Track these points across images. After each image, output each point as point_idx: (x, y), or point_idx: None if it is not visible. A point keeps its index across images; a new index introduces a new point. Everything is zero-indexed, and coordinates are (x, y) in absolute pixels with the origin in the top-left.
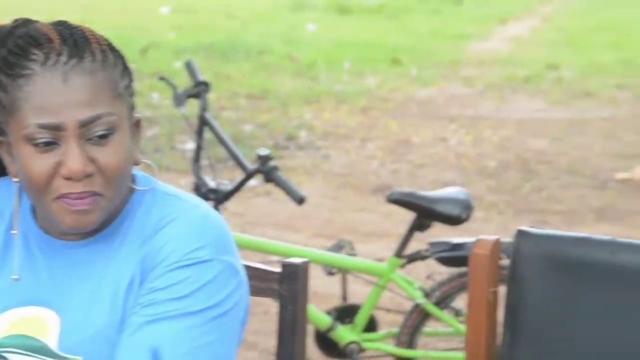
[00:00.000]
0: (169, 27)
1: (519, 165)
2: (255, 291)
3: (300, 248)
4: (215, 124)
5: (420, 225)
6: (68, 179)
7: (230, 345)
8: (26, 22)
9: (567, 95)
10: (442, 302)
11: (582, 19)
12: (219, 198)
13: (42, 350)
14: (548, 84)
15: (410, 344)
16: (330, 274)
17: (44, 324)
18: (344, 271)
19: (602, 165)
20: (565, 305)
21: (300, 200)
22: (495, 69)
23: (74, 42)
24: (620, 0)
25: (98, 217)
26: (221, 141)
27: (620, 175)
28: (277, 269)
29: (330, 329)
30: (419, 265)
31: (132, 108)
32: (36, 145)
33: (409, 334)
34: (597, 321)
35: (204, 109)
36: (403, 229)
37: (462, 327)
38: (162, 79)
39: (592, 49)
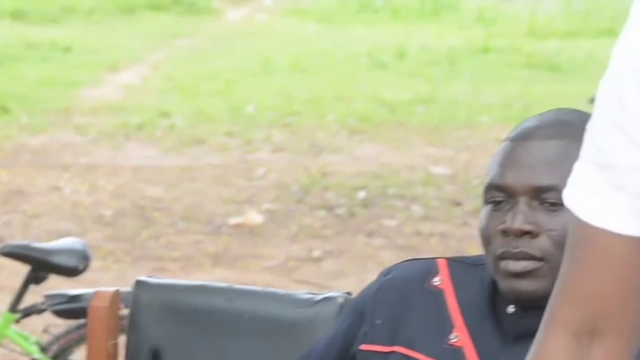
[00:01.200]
0: None
1: (136, 213)
2: None
3: None
4: None
5: (35, 277)
6: None
7: None
8: None
9: (179, 143)
10: (60, 356)
11: (190, 67)
12: None
13: None
14: (161, 132)
15: None
16: None
17: None
18: None
19: (215, 211)
20: (185, 354)
21: None
22: (108, 116)
23: None
24: (223, 50)
25: None
26: None
27: (233, 221)
28: None
29: None
30: (35, 319)
31: None
32: None
33: None
34: None
35: None
36: (17, 282)
37: None
38: None
39: (200, 97)
